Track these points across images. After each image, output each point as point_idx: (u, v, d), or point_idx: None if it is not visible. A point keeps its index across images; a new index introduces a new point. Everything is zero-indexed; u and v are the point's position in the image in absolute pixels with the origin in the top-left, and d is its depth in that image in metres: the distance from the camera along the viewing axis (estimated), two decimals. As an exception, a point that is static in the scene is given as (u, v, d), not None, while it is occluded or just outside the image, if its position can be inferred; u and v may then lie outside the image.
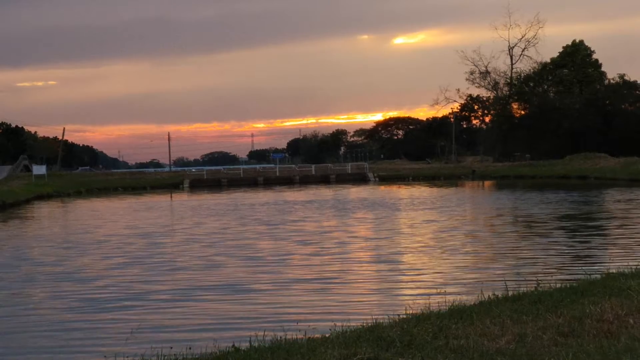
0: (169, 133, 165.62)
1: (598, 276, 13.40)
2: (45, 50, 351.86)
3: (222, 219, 39.37)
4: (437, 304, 11.13)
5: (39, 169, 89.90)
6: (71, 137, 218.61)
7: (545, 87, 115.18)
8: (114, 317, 14.69)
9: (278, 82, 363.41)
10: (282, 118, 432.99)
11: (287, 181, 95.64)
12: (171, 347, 9.60)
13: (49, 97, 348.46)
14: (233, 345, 8.71)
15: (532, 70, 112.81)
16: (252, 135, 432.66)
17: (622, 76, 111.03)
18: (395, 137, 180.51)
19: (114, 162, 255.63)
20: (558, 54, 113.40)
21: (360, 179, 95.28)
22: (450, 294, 13.94)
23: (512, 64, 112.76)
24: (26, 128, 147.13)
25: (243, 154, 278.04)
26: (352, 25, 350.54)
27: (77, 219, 44.73)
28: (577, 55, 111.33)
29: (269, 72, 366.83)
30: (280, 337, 8.99)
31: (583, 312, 9.12)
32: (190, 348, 9.34)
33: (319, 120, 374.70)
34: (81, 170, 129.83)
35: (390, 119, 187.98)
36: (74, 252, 26.14)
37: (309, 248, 25.25)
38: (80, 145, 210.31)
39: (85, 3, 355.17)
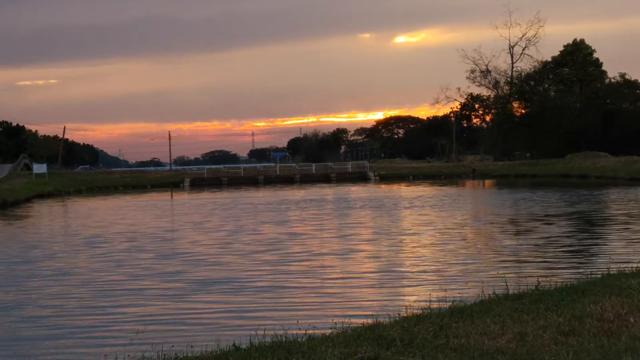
0: (169, 132, 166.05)
1: (598, 275, 13.41)
2: (46, 48, 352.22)
3: (222, 218, 39.37)
4: (437, 303, 11.13)
5: (40, 168, 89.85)
6: (72, 136, 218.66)
7: (546, 86, 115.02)
8: (115, 316, 14.70)
9: (279, 81, 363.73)
10: (283, 117, 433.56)
11: (288, 180, 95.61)
12: (172, 346, 9.60)
13: (49, 95, 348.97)
14: (234, 344, 8.71)
15: (532, 69, 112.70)
16: (253, 134, 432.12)
17: (622, 75, 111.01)
18: (396, 136, 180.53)
19: (114, 161, 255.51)
20: (559, 53, 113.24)
21: (360, 178, 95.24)
22: (450, 293, 13.94)
23: (512, 63, 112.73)
24: (27, 127, 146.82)
25: (243, 153, 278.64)
26: (353, 24, 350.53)
27: (78, 217, 44.71)
28: (577, 54, 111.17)
29: (270, 70, 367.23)
30: (281, 336, 8.98)
31: (583, 311, 9.12)
32: (191, 346, 9.35)
33: (320, 119, 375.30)
34: (81, 169, 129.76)
35: (391, 118, 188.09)
36: (74, 251, 26.15)
37: (309, 247, 25.24)
38: (81, 143, 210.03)
39: (86, 2, 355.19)
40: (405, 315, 10.17)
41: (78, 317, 14.70)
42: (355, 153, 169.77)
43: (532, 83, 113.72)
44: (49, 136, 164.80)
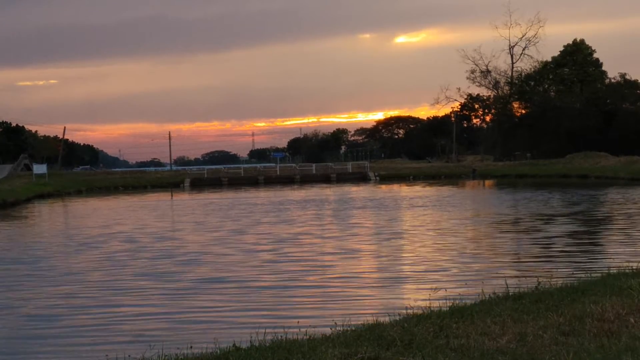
0: (169, 132, 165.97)
1: (599, 275, 13.40)
2: (46, 49, 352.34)
3: (222, 219, 39.36)
4: (437, 303, 11.13)
5: (40, 168, 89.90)
6: (72, 136, 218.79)
7: (546, 86, 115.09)
8: (115, 316, 14.69)
9: (279, 81, 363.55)
10: (283, 117, 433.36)
11: (288, 180, 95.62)
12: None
13: (49, 96, 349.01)
14: (234, 345, 8.71)
15: (532, 70, 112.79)
16: (253, 134, 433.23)
17: (622, 75, 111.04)
18: (396, 136, 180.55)
19: (114, 161, 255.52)
20: (559, 53, 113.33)
21: (360, 178, 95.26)
22: (451, 293, 13.94)
23: (512, 63, 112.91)
24: (27, 127, 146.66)
25: (244, 153, 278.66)
26: (353, 24, 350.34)
27: (78, 218, 44.72)
28: (578, 55, 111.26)
29: (270, 71, 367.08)
30: (281, 336, 8.98)
31: (584, 311, 9.12)
32: (191, 347, 9.34)
33: (320, 120, 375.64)
34: (81, 169, 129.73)
35: (391, 118, 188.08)
36: (74, 251, 26.15)
37: (309, 246, 25.24)
38: (81, 144, 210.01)
39: (86, 2, 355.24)
40: (405, 315, 10.17)
41: (78, 317, 14.68)
42: (355, 153, 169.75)
43: (532, 83, 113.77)
44: (49, 136, 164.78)
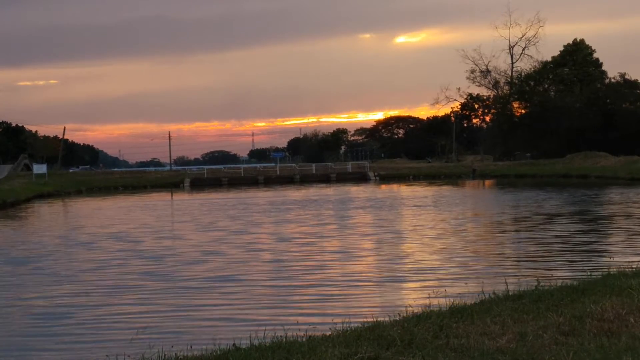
0: (169, 132, 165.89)
1: (599, 275, 13.40)
2: (47, 49, 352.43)
3: (222, 219, 39.35)
4: (437, 303, 11.13)
5: (40, 168, 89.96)
6: (72, 136, 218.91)
7: (546, 86, 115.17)
8: (115, 316, 14.69)
9: (279, 81, 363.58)
10: (283, 117, 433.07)
11: (288, 180, 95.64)
12: (172, 346, 9.60)
13: (49, 96, 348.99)
14: (234, 344, 8.71)
15: (532, 69, 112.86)
16: (253, 134, 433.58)
17: (622, 75, 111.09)
18: (396, 136, 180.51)
19: (114, 161, 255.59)
20: (559, 53, 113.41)
21: (360, 178, 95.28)
22: (450, 293, 13.94)
23: (512, 63, 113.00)
24: (27, 127, 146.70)
25: (243, 153, 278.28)
26: (353, 24, 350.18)
27: (77, 218, 44.71)
28: (577, 54, 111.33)
29: (270, 70, 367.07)
30: (281, 336, 8.98)
31: (584, 311, 9.12)
32: (191, 347, 9.34)
33: (320, 119, 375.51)
34: (81, 169, 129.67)
35: (391, 118, 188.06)
36: (73, 251, 26.14)
37: (308, 246, 25.24)
38: (81, 144, 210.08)
39: (86, 2, 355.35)
40: (405, 315, 10.17)
41: (78, 316, 14.68)
42: (355, 153, 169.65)
43: (532, 83, 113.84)
44: (49, 136, 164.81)
